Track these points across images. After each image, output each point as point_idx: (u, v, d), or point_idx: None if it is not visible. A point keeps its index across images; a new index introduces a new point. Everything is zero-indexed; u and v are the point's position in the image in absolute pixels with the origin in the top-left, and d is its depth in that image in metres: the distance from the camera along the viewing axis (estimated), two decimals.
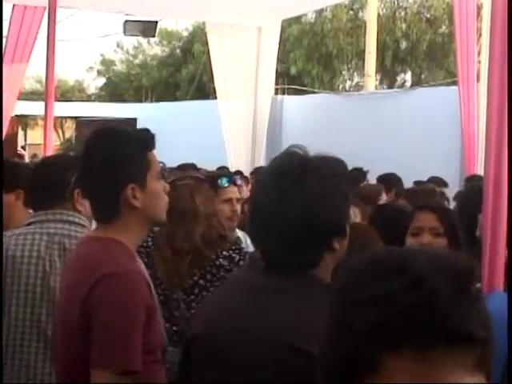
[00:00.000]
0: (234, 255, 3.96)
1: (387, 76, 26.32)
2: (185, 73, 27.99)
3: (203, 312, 2.26)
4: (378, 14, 20.44)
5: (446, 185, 8.14)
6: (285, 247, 1.98)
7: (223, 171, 10.58)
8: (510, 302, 1.05)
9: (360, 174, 8.22)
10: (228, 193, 4.75)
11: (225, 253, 3.89)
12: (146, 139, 2.57)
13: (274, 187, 1.99)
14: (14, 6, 12.81)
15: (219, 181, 4.78)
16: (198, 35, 26.64)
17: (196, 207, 3.92)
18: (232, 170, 11.84)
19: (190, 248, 3.84)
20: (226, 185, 4.76)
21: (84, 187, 2.66)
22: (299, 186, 1.96)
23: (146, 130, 2.60)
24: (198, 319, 2.23)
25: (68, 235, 3.09)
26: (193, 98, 23.02)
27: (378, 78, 24.88)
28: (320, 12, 23.30)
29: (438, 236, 3.60)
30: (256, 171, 10.63)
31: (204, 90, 24.58)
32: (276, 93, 17.09)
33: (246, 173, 11.20)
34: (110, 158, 2.49)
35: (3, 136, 13.28)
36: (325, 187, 2.00)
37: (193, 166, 9.72)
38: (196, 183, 4.10)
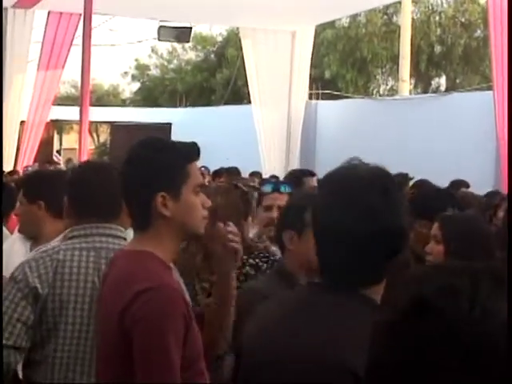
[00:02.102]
0: (260, 264, 3.89)
1: (422, 80, 26.18)
2: (219, 77, 28.04)
3: (255, 327, 2.12)
4: (413, 18, 20.36)
5: (467, 186, 8.21)
6: (357, 264, 1.86)
7: (256, 176, 10.63)
8: (509, 304, 1.03)
9: (404, 179, 8.18)
10: (268, 199, 4.66)
11: (251, 261, 3.84)
12: (189, 151, 2.55)
13: (355, 201, 1.85)
14: (49, 12, 12.96)
15: (263, 187, 4.73)
16: (232, 40, 26.67)
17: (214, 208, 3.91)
18: (265, 175, 11.84)
19: (199, 247, 3.72)
20: (268, 191, 4.70)
21: (124, 194, 2.64)
22: (385, 199, 1.85)
23: (193, 144, 2.56)
24: (250, 335, 2.11)
25: (113, 249, 3.03)
26: (227, 103, 23.04)
27: (413, 82, 24.77)
28: (354, 17, 23.25)
29: (439, 243, 3.63)
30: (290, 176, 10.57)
31: (239, 94, 24.61)
32: (310, 97, 17.08)
33: (281, 178, 11.18)
34: (146, 165, 2.47)
35: (38, 140, 13.47)
36: (403, 201, 1.93)
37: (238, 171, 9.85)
38: (225, 188, 4.07)
